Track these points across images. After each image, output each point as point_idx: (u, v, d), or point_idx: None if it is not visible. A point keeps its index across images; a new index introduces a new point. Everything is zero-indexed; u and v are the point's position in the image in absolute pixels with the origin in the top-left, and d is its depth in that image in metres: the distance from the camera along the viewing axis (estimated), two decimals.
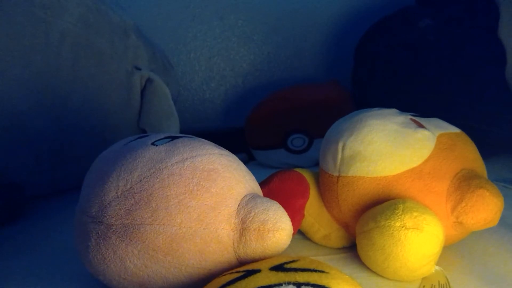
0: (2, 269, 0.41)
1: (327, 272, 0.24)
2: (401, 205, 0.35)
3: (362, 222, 0.38)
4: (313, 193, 0.43)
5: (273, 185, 0.38)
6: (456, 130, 0.42)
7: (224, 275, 0.26)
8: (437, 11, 0.67)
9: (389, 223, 0.34)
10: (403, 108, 0.43)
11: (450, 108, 0.62)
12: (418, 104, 0.60)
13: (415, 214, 0.34)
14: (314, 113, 0.75)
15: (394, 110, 0.42)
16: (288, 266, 0.25)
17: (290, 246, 0.44)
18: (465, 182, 0.37)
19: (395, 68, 0.70)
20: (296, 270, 0.24)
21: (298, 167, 0.46)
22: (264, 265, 0.25)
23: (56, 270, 0.40)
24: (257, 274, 0.24)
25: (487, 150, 0.43)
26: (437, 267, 0.36)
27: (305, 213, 0.43)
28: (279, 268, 0.25)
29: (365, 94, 0.79)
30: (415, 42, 0.68)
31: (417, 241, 0.33)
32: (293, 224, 0.33)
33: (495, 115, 0.62)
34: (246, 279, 0.24)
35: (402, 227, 0.33)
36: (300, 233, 0.46)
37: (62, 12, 0.58)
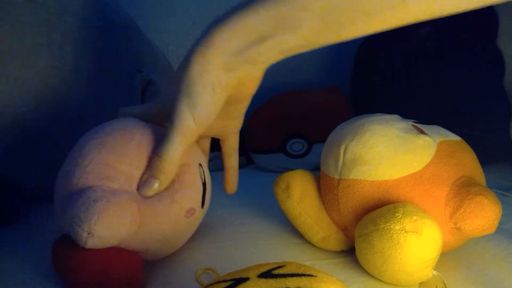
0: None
1: (315, 276, 0.24)
2: (401, 208, 0.35)
3: (361, 225, 0.38)
4: (313, 195, 0.44)
5: None
6: (457, 138, 0.43)
7: (210, 284, 0.25)
8: (436, 19, 0.68)
9: (388, 226, 0.34)
10: (402, 114, 0.44)
11: (448, 114, 0.62)
12: (417, 110, 0.61)
13: (414, 218, 0.34)
14: (314, 118, 0.75)
15: (396, 116, 0.43)
16: (276, 272, 0.24)
17: (289, 250, 0.44)
18: (464, 189, 0.38)
19: (394, 74, 0.71)
20: (285, 275, 0.24)
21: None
22: (251, 273, 0.25)
23: (55, 272, 0.40)
24: (247, 283, 0.24)
25: (484, 157, 0.44)
26: (434, 272, 0.36)
27: (305, 215, 0.43)
28: (267, 274, 0.24)
29: (364, 100, 0.79)
30: (414, 49, 0.69)
31: (416, 244, 0.33)
32: None
33: (492, 123, 0.63)
34: None
35: (402, 230, 0.34)
36: (298, 238, 0.46)
37: (65, 13, 0.58)
